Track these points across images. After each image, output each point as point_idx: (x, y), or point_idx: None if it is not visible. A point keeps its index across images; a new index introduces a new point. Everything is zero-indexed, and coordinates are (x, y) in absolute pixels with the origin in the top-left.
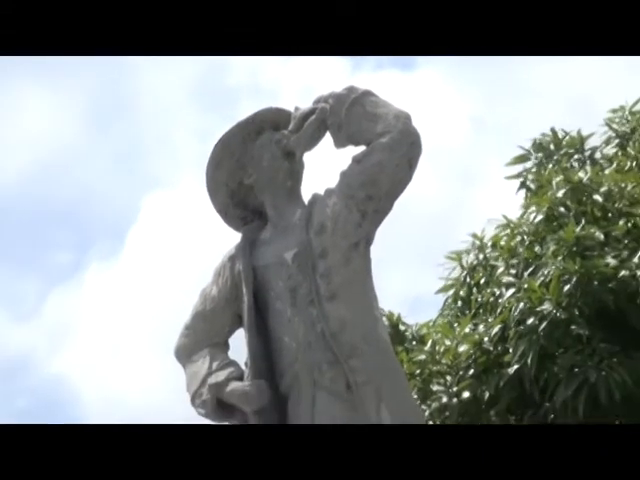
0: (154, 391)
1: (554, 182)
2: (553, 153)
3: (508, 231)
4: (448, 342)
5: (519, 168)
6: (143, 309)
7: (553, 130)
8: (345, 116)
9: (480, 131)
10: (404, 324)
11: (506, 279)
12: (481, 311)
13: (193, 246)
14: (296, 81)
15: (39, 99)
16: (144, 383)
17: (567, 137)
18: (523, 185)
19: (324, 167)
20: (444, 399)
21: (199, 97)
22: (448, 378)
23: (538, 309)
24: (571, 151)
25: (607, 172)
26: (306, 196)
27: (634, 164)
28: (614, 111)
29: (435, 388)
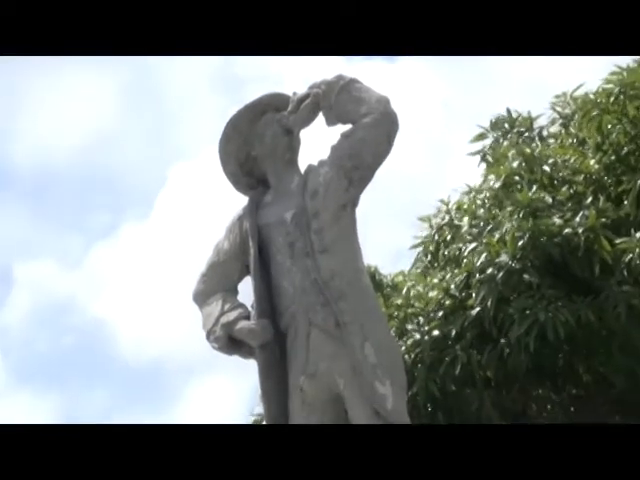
0: (177, 330)
1: (509, 155)
2: (508, 131)
3: (471, 196)
4: (420, 289)
5: (479, 145)
6: (169, 261)
7: (508, 112)
8: (335, 100)
9: (450, 113)
10: (379, 274)
11: (469, 236)
12: (448, 263)
13: (210, 207)
14: (295, 70)
15: (86, 88)
16: (169, 324)
17: (519, 118)
18: (483, 159)
19: (317, 142)
20: (417, 336)
21: (216, 84)
22: (420, 319)
23: (496, 261)
24: (522, 129)
25: (552, 147)
26: (302, 166)
27: (574, 140)
28: (557, 96)
29: (409, 327)
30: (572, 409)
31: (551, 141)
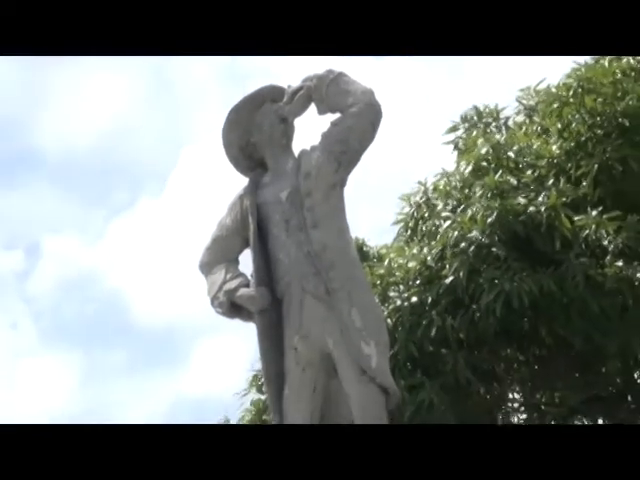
0: (186, 297)
1: (478, 143)
2: (477, 122)
3: (445, 179)
4: (401, 260)
5: (452, 136)
6: (179, 234)
7: (476, 106)
8: (325, 92)
9: (429, 106)
10: (366, 246)
11: (444, 214)
12: (425, 238)
13: (214, 187)
14: (295, 66)
15: (108, 81)
16: (180, 291)
17: (487, 109)
18: (456, 147)
19: (309, 129)
20: (398, 302)
21: (223, 78)
22: (401, 287)
23: (468, 236)
24: (490, 120)
25: (518, 135)
26: (296, 150)
27: (538, 129)
28: (522, 90)
29: (391, 294)
30: (536, 367)
31: (516, 130)
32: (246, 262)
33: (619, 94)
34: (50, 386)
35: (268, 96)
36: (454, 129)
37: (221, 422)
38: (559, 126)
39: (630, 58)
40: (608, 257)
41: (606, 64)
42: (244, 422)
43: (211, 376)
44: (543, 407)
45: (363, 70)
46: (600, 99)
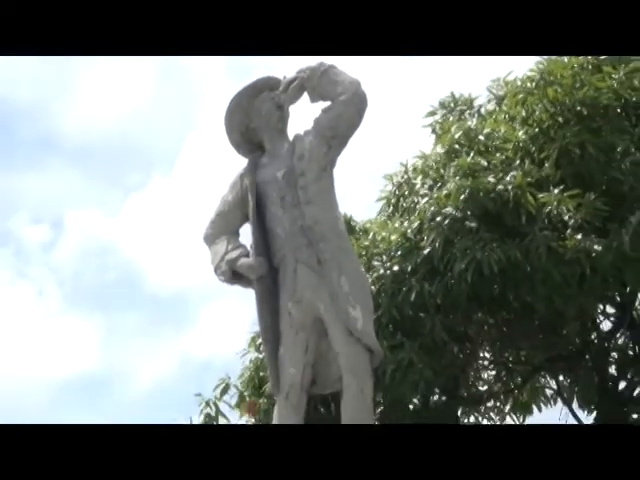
0: (194, 266)
1: (453, 128)
2: (452, 109)
3: (423, 160)
4: (384, 233)
5: (430, 120)
6: (188, 210)
7: (452, 95)
8: (317, 82)
9: (408, 94)
10: (353, 221)
11: (422, 192)
12: (405, 213)
13: (217, 167)
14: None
15: (123, 73)
16: (188, 260)
17: (461, 98)
18: (433, 131)
19: (303, 115)
20: (381, 271)
21: (228, 69)
22: (383, 257)
23: (443, 211)
24: (464, 107)
25: (488, 121)
26: (290, 135)
27: (506, 116)
28: (493, 81)
29: (375, 264)
30: (504, 329)
31: (487, 117)
32: (246, 235)
33: (577, 85)
34: (73, 345)
35: (266, 86)
36: (432, 114)
37: (223, 379)
38: (524, 114)
39: None
40: (568, 231)
41: (565, 59)
42: (244, 379)
43: (215, 337)
44: (510, 365)
45: (353, 61)
46: (560, 90)
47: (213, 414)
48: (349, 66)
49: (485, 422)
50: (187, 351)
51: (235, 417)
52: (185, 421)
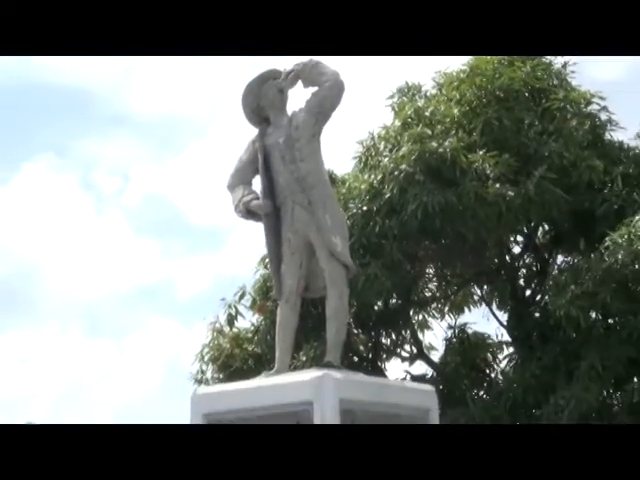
0: (224, 203)
1: (406, 107)
2: (406, 93)
3: (385, 130)
4: (356, 183)
5: (390, 101)
6: (217, 165)
7: (406, 82)
8: (308, 73)
9: (375, 82)
10: (334, 174)
11: (384, 153)
12: (372, 168)
13: (235, 134)
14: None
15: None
16: (219, 203)
17: (413, 85)
18: (393, 109)
19: (298, 98)
20: (354, 210)
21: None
22: (356, 200)
23: (399, 167)
24: (415, 92)
25: (432, 102)
26: (289, 111)
27: (445, 98)
28: (436, 72)
29: (350, 205)
30: (444, 252)
31: (431, 98)
32: (256, 184)
33: (496, 76)
34: (138, 263)
35: (270, 75)
36: (392, 97)
37: (241, 288)
38: (458, 96)
39: None
40: (490, 181)
41: (488, 58)
42: (256, 288)
43: (238, 258)
44: (448, 278)
45: (337, 59)
46: (484, 79)
47: (233, 313)
48: (333, 61)
49: (430, 319)
50: (220, 269)
51: (249, 315)
52: (214, 318)
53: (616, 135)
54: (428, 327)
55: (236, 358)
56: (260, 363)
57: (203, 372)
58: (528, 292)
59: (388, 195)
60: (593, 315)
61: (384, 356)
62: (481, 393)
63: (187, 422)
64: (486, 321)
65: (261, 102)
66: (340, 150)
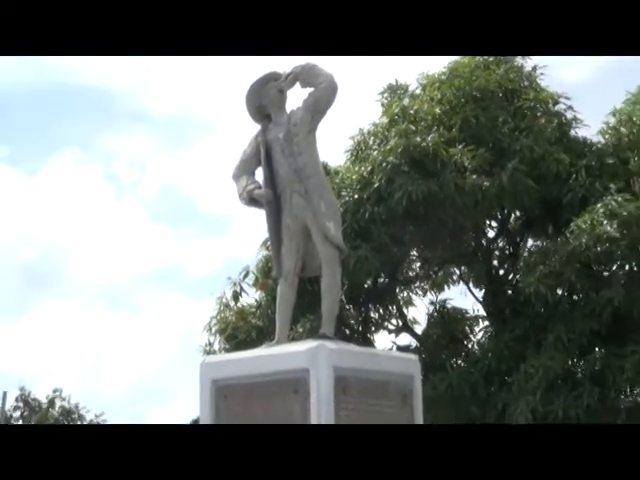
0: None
1: (393, 105)
2: (394, 93)
3: (374, 126)
4: (348, 174)
5: (379, 99)
6: (225, 157)
7: (396, 81)
8: (305, 75)
9: (366, 81)
10: (328, 166)
11: (373, 147)
12: (362, 161)
13: (241, 129)
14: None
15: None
16: (227, 191)
17: (399, 85)
18: (382, 105)
19: (296, 97)
20: (346, 198)
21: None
22: (348, 189)
23: (387, 159)
24: (401, 92)
25: (416, 101)
26: (288, 109)
27: (427, 97)
28: (419, 74)
29: (342, 194)
30: (428, 237)
31: (415, 97)
32: (259, 175)
33: (473, 78)
34: (151, 246)
35: (271, 77)
36: (382, 93)
37: (245, 268)
38: (439, 96)
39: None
40: (467, 173)
41: (466, 60)
42: (258, 267)
43: (243, 242)
44: (430, 259)
45: (333, 59)
46: (462, 81)
47: (238, 290)
48: (329, 61)
49: (414, 296)
50: (228, 252)
51: (252, 292)
52: (220, 294)
53: (580, 131)
54: (412, 303)
55: (240, 330)
56: (262, 334)
57: (211, 344)
58: (501, 272)
59: (377, 185)
60: (559, 292)
61: (373, 329)
62: (459, 362)
63: (197, 388)
64: (464, 297)
65: (263, 101)
66: (334, 144)
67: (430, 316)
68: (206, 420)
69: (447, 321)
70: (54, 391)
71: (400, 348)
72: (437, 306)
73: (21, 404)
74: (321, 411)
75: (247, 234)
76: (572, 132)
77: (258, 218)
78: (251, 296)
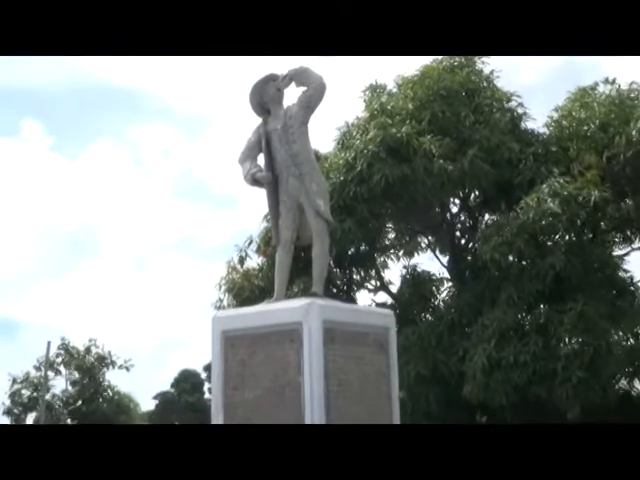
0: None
1: (373, 102)
2: (374, 90)
3: (357, 119)
4: (335, 160)
5: (362, 95)
6: (233, 144)
7: (376, 81)
8: (300, 76)
9: (350, 79)
10: (319, 153)
11: (357, 137)
12: (348, 149)
13: (245, 121)
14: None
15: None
16: (230, 175)
17: (379, 84)
18: (364, 101)
19: (292, 95)
20: (334, 180)
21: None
22: (335, 172)
23: (367, 148)
24: (380, 90)
25: (393, 98)
26: (285, 105)
27: (402, 95)
28: (398, 75)
29: (331, 176)
30: (402, 212)
31: (393, 96)
32: (260, 160)
33: (441, 79)
34: (172, 221)
35: (271, 78)
36: (365, 91)
37: (249, 237)
38: (412, 94)
39: (449, 58)
40: (435, 158)
41: (434, 64)
42: (261, 236)
43: (248, 215)
44: (403, 230)
45: (325, 60)
46: (431, 81)
47: (244, 256)
48: (320, 66)
49: (389, 261)
50: (236, 226)
51: (256, 257)
52: (229, 259)
53: (529, 124)
54: (388, 267)
55: (245, 289)
56: (264, 293)
57: (221, 300)
58: (463, 241)
59: (359, 169)
60: (510, 258)
61: (355, 288)
62: (427, 316)
63: (209, 337)
64: (431, 262)
65: (264, 98)
66: (323, 134)
67: (403, 278)
68: (217, 364)
69: (417, 282)
70: (90, 340)
71: (378, 305)
72: (409, 270)
73: (62, 351)
74: (312, 356)
75: (251, 210)
76: (522, 125)
77: (260, 196)
78: (254, 261)
